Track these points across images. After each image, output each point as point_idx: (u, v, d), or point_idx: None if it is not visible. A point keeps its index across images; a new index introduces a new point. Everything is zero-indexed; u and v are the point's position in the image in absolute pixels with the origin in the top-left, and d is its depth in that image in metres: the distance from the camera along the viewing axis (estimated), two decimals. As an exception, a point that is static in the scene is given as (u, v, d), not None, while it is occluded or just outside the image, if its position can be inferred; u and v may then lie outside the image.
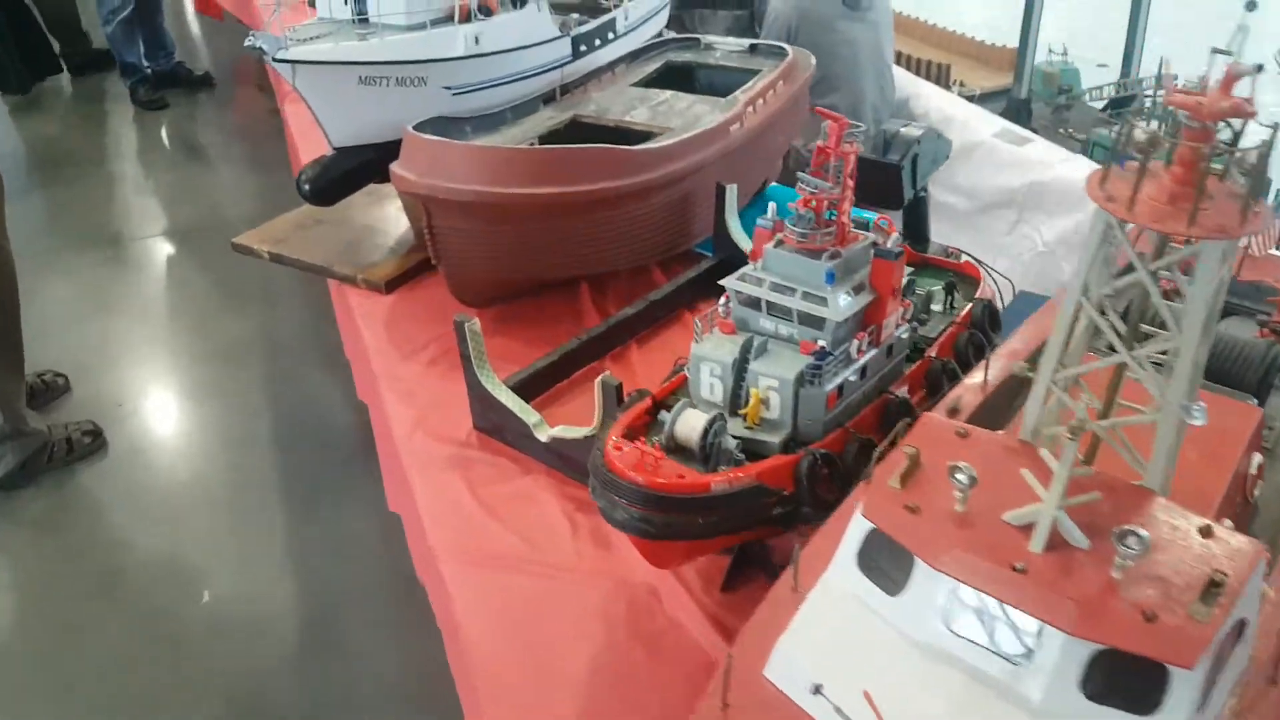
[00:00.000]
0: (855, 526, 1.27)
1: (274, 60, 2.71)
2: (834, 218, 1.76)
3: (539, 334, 2.63)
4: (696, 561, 1.82)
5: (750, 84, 3.12)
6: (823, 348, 1.67)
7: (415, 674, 3.01)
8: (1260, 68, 1.09)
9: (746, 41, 3.44)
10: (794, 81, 3.15)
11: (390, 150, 3.05)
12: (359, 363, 2.92)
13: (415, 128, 2.69)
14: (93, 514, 3.92)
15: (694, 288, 2.74)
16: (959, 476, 1.16)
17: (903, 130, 2.26)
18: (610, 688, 1.68)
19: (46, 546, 3.76)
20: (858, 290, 1.74)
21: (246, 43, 2.71)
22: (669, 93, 3.16)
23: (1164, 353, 1.22)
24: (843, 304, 1.69)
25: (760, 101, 2.94)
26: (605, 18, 3.51)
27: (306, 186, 2.97)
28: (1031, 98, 5.55)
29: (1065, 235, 4.79)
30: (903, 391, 1.89)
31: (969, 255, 2.34)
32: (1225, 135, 1.13)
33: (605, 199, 2.55)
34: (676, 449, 1.64)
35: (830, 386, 1.67)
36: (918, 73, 6.50)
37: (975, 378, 1.74)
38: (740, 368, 1.70)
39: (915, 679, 1.14)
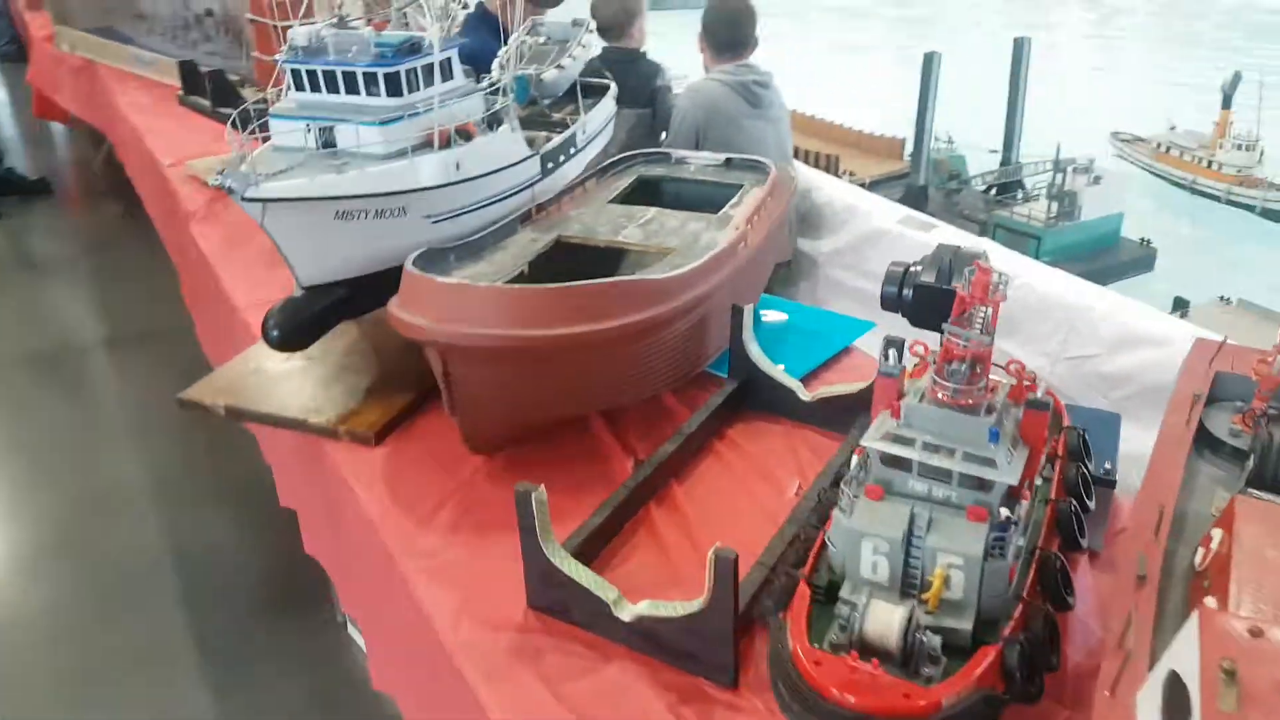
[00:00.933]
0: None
1: (244, 200, 2.41)
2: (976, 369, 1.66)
3: (561, 478, 2.38)
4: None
5: (737, 199, 3.03)
6: (1007, 518, 1.54)
7: None
8: None
9: (720, 156, 3.37)
10: (781, 199, 3.09)
11: (364, 284, 2.80)
12: (347, 526, 2.59)
13: (413, 264, 2.44)
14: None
15: (719, 416, 2.59)
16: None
17: (964, 247, 2.20)
18: None
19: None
20: (1014, 445, 1.63)
21: (213, 181, 2.40)
22: (653, 210, 3.03)
23: None
24: (1011, 464, 1.58)
25: (756, 218, 2.85)
26: (567, 133, 3.37)
27: (275, 333, 2.65)
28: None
29: (987, 317, 4.93)
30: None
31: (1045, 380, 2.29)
32: None
33: (636, 331, 2.37)
34: (862, 646, 1.46)
35: (1012, 557, 1.54)
36: (809, 164, 6.69)
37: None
38: (907, 542, 1.55)
39: None
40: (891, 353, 1.76)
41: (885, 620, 1.44)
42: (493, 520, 2.28)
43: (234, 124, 2.57)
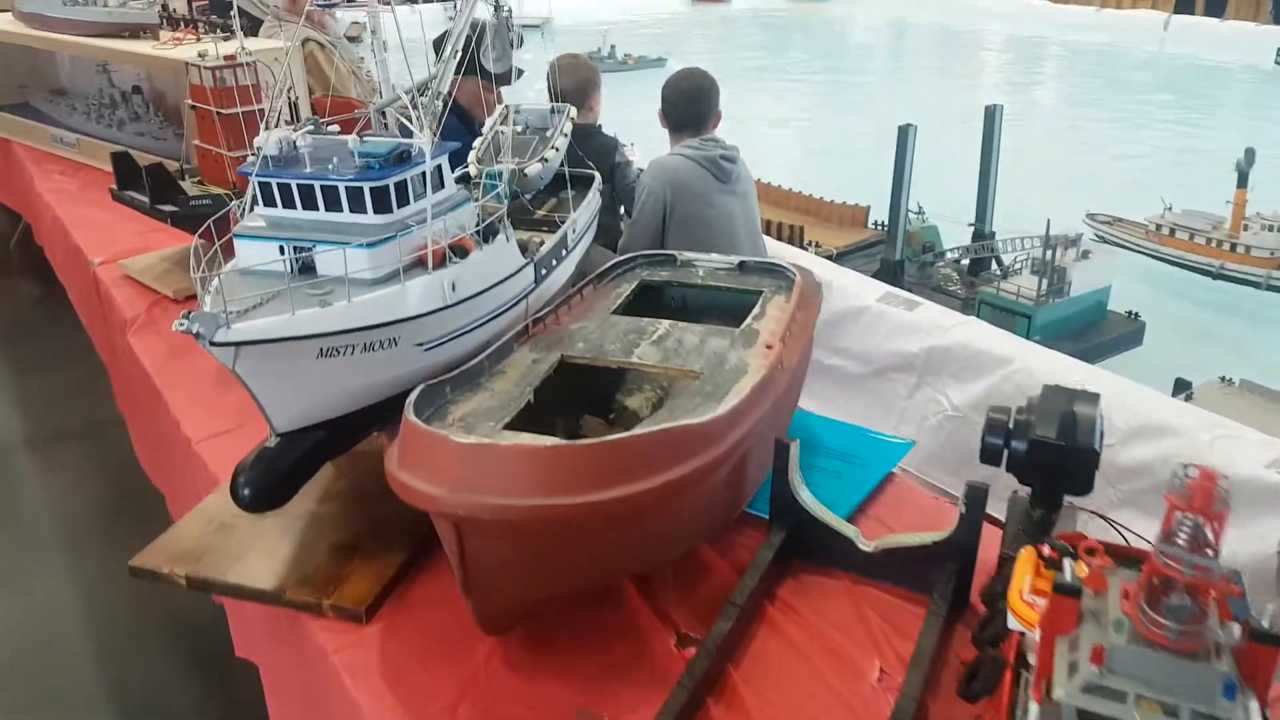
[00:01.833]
0: None
1: (212, 345, 2.04)
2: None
3: (594, 662, 2.05)
4: None
5: (759, 309, 2.74)
6: None
7: None
8: None
9: (733, 259, 3.08)
10: (811, 309, 2.80)
11: (344, 425, 2.43)
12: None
13: (414, 414, 2.08)
14: None
15: (768, 574, 2.26)
16: None
17: (1080, 411, 1.93)
18: None
19: None
20: (1246, 694, 1.33)
21: (176, 325, 2.01)
22: (665, 323, 2.72)
23: None
24: (1249, 721, 1.27)
25: (788, 335, 2.56)
26: (558, 234, 3.06)
27: (247, 492, 2.25)
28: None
29: (979, 401, 4.71)
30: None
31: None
32: None
33: (681, 486, 2.04)
34: None
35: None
36: (773, 235, 6.49)
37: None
38: None
39: None
40: (1068, 565, 1.45)
41: None
42: (520, 725, 1.92)
43: (195, 254, 2.20)
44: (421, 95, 2.63)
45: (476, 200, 2.63)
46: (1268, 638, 1.32)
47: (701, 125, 5.50)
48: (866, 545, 2.26)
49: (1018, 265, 5.08)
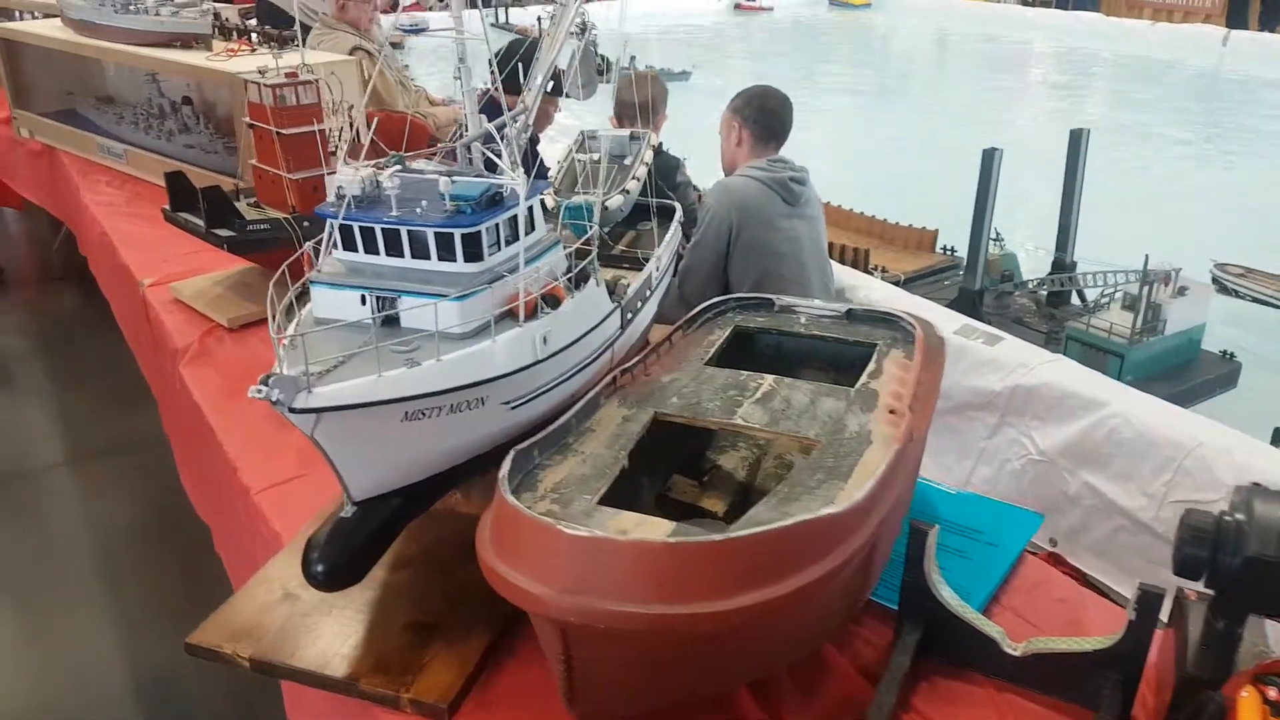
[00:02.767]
0: None
1: (291, 411, 1.83)
2: None
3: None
4: None
5: (875, 366, 2.49)
6: None
7: None
8: None
9: (840, 306, 2.82)
10: (936, 370, 2.54)
11: (421, 489, 2.21)
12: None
13: (511, 491, 1.86)
14: None
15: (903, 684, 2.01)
16: None
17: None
18: None
19: None
20: None
21: (253, 393, 1.80)
22: (769, 379, 2.47)
23: None
24: None
25: (917, 401, 2.30)
26: (644, 274, 2.83)
27: (320, 569, 2.03)
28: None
29: (1067, 446, 4.43)
30: None
31: None
32: None
33: (816, 587, 1.80)
34: None
35: None
36: (838, 259, 6.26)
37: None
38: None
39: None
40: None
41: None
42: None
43: (270, 304, 1.98)
44: (505, 127, 2.41)
45: (589, 254, 2.40)
46: None
47: (779, 143, 5.28)
48: (1013, 648, 2.01)
49: (1104, 299, 4.86)
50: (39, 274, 7.87)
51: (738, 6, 18.81)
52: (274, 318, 1.99)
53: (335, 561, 2.05)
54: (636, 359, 2.54)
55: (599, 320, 2.46)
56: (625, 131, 3.38)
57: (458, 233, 2.09)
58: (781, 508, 1.92)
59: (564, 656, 1.72)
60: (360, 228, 2.14)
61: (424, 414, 2.00)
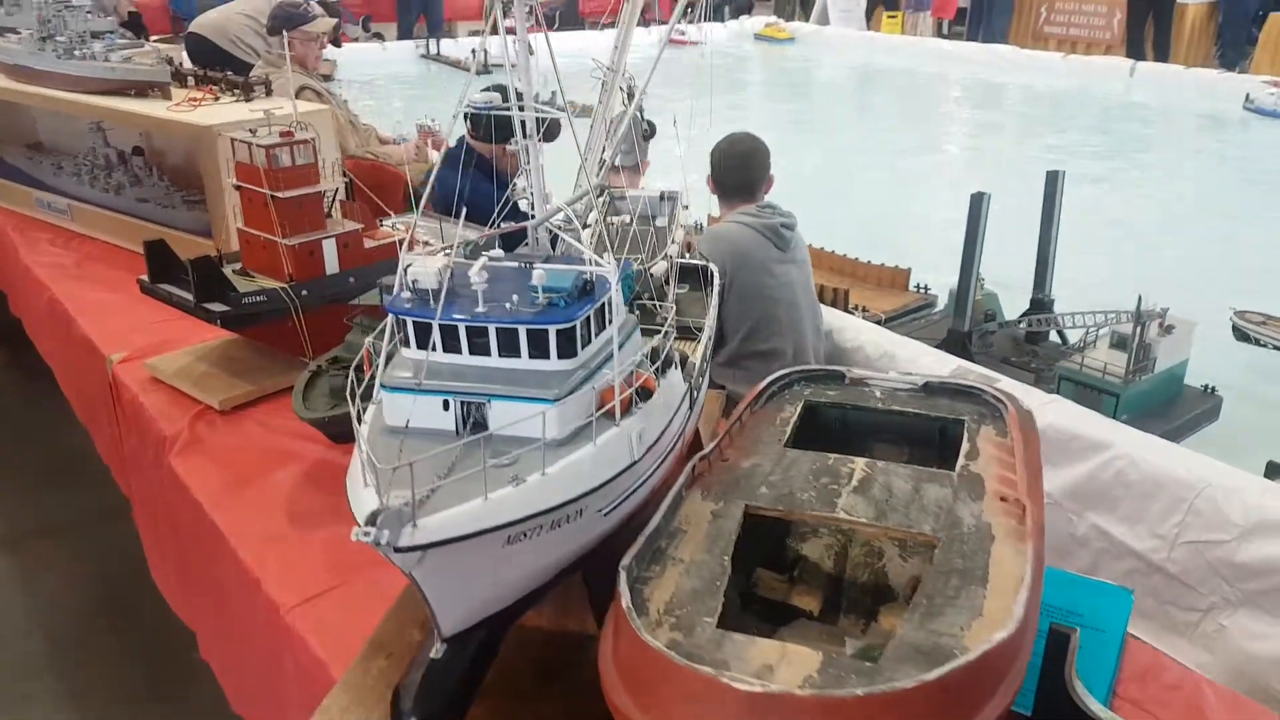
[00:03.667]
0: None
1: (397, 550, 1.60)
2: None
3: None
4: None
5: (969, 446, 2.36)
6: None
7: None
8: None
9: (917, 377, 2.70)
10: (1035, 443, 2.43)
11: (505, 616, 2.01)
12: None
13: (644, 629, 1.66)
14: None
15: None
16: None
17: None
18: None
19: None
20: None
21: (357, 536, 1.57)
22: (859, 462, 2.33)
23: None
24: None
25: (1032, 489, 2.18)
26: (701, 344, 2.67)
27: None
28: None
29: (1074, 488, 4.42)
30: None
31: None
32: None
33: (1001, 715, 1.65)
34: None
35: None
36: (820, 300, 6.21)
37: None
38: None
39: None
40: None
41: None
42: None
43: (356, 422, 1.76)
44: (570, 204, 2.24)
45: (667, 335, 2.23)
46: None
47: (754, 192, 5.24)
48: (1166, 760, 1.90)
49: (1090, 338, 4.89)
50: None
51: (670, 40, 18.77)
52: (361, 446, 1.75)
53: (431, 712, 1.82)
54: (712, 444, 2.38)
55: (678, 405, 2.29)
56: (655, 191, 3.23)
57: (553, 329, 1.90)
58: (928, 625, 1.77)
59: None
60: (441, 325, 1.93)
61: (526, 535, 1.81)
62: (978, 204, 4.88)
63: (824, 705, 1.49)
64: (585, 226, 2.51)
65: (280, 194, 3.27)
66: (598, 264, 1.98)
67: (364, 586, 2.48)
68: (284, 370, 3.48)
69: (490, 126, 5.45)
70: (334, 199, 3.55)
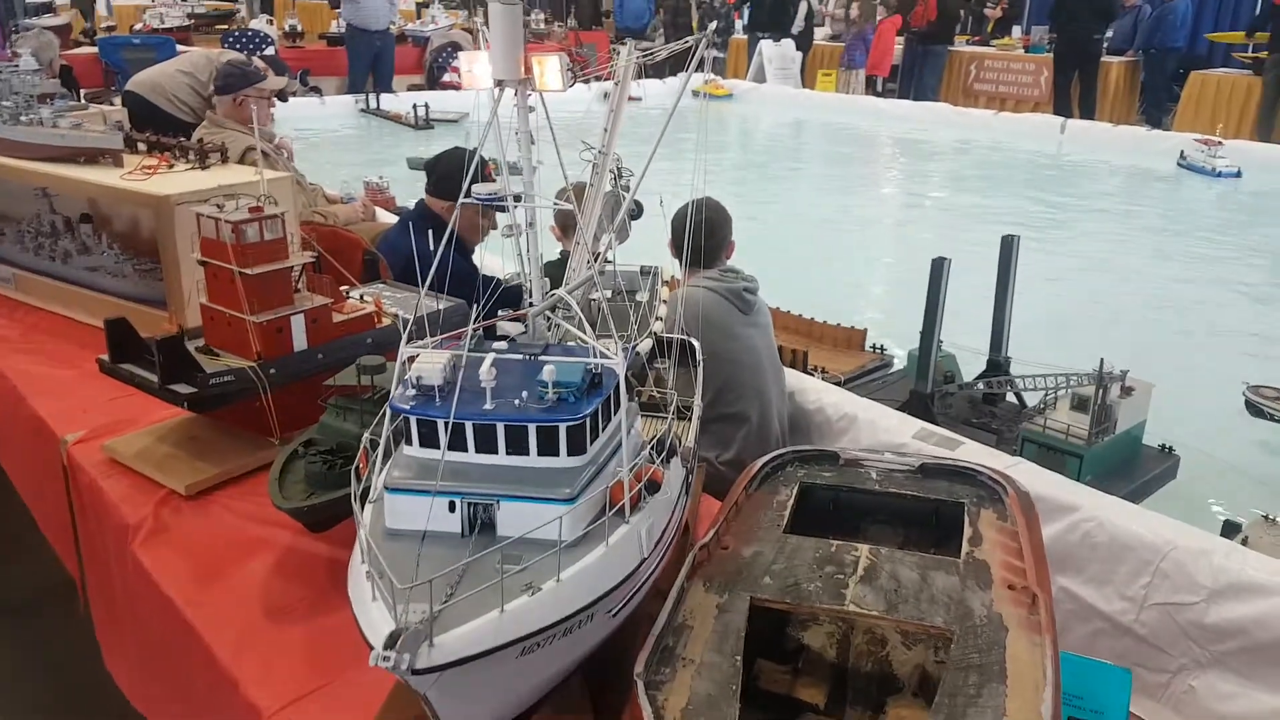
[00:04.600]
0: None
1: (414, 674, 1.53)
2: None
3: None
4: None
5: (972, 530, 2.37)
6: None
7: None
8: None
9: (913, 459, 2.70)
10: (1037, 527, 2.44)
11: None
12: None
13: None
14: None
15: None
16: None
17: None
18: None
19: None
20: None
21: (376, 662, 1.49)
22: (863, 549, 2.31)
23: None
24: None
25: (1039, 575, 2.19)
26: (693, 423, 2.65)
27: None
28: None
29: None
30: None
31: None
32: None
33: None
34: None
35: None
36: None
37: None
38: None
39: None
40: None
41: None
42: None
43: (366, 547, 1.69)
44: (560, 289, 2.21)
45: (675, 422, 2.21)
46: None
47: (715, 259, 5.29)
48: None
49: (1049, 399, 4.97)
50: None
51: (606, 95, 18.95)
52: (365, 553, 1.68)
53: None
54: (710, 532, 2.34)
55: (679, 492, 2.26)
56: (634, 266, 3.22)
57: (563, 426, 1.86)
58: None
59: None
60: (445, 423, 1.88)
61: (539, 645, 1.75)
62: (939, 269, 4.98)
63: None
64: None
65: (248, 270, 3.18)
66: (605, 355, 1.95)
67: (350, 687, 2.38)
68: (250, 450, 3.36)
69: (450, 185, 5.43)
70: (301, 273, 3.46)
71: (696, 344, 3.13)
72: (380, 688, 2.22)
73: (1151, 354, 6.33)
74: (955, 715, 1.76)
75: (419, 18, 22.20)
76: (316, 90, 18.08)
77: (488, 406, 1.85)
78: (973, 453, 4.83)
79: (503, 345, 2.03)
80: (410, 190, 10.16)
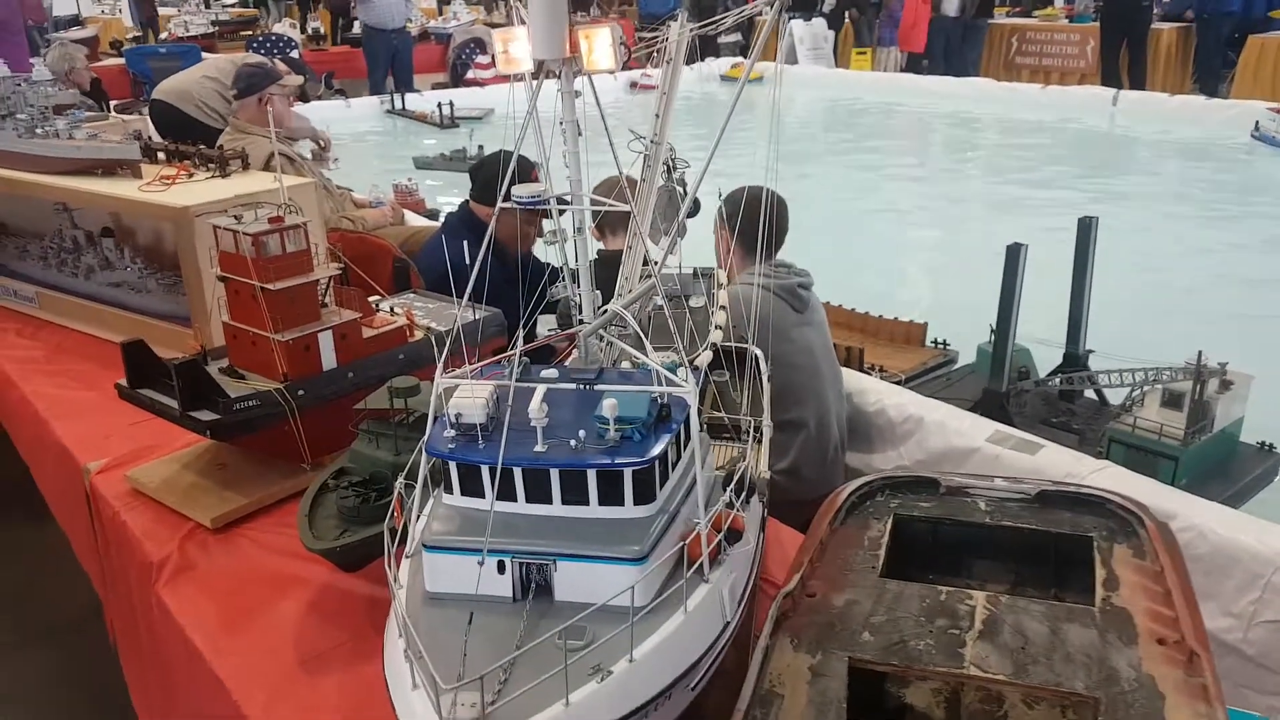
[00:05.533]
0: None
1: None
2: None
3: None
4: None
5: (1105, 571, 2.04)
6: None
7: None
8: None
9: (1029, 485, 2.36)
10: (1183, 565, 2.11)
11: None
12: None
13: None
14: None
15: None
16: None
17: None
18: None
19: None
20: None
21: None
22: (979, 596, 1.97)
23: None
24: None
25: (1193, 623, 1.87)
26: (763, 445, 2.35)
27: None
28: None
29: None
30: None
31: None
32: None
33: None
34: None
35: None
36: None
37: None
38: None
39: None
40: None
41: None
42: None
43: (403, 625, 1.42)
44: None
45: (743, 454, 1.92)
46: None
47: (776, 249, 4.94)
48: None
49: (1137, 396, 4.59)
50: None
51: (633, 85, 18.74)
52: (403, 630, 1.41)
53: None
54: (795, 579, 2.04)
55: (758, 535, 1.97)
56: (687, 269, 2.93)
57: (628, 471, 1.57)
58: None
59: None
60: (491, 469, 1.60)
61: (609, 731, 1.46)
62: (1014, 256, 4.61)
63: None
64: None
65: (271, 285, 2.93)
66: (672, 383, 1.66)
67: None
68: (279, 478, 3.13)
69: (493, 191, 5.17)
70: (328, 286, 3.22)
71: (759, 353, 2.82)
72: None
73: (1235, 342, 5.86)
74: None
75: (440, 14, 21.97)
76: (341, 92, 17.94)
77: (539, 449, 1.57)
78: (1055, 456, 4.48)
79: (552, 373, 1.75)
80: (431, 192, 9.88)
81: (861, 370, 5.72)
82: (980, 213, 11.47)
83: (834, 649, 1.85)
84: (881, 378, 5.62)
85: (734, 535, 1.70)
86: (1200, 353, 4.27)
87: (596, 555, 1.53)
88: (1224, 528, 3.82)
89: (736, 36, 21.48)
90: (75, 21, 20.64)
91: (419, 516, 1.73)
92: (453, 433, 1.63)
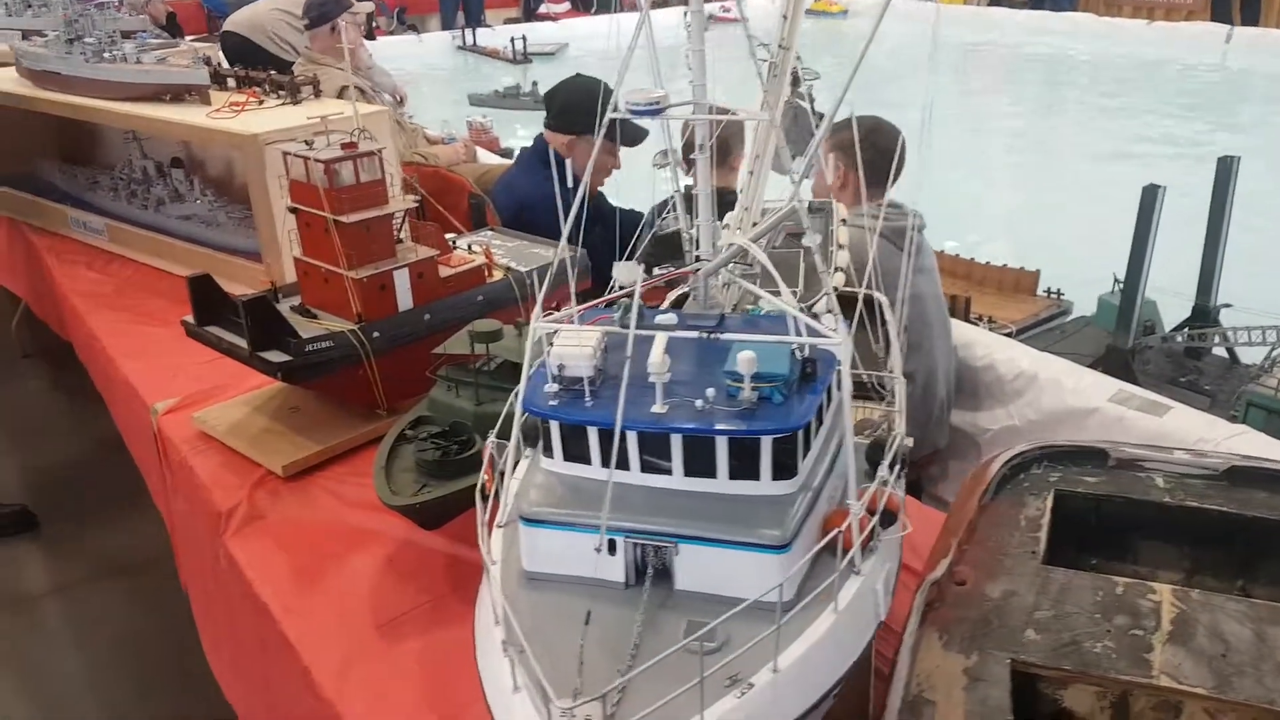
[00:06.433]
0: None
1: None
2: None
3: None
4: None
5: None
6: None
7: None
8: None
9: (1217, 459, 2.02)
10: None
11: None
12: None
13: None
14: None
15: None
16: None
17: None
18: None
19: None
20: None
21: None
22: (1164, 590, 1.67)
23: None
24: None
25: None
26: (899, 406, 2.05)
27: None
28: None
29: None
30: None
31: None
32: None
33: None
34: None
35: None
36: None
37: None
38: None
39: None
40: None
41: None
42: None
43: (503, 616, 1.18)
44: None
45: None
46: None
47: (888, 185, 4.54)
48: None
49: (1277, 353, 4.22)
50: (77, 516, 6.21)
51: (712, 19, 17.99)
52: (500, 620, 1.17)
53: None
54: (944, 563, 1.76)
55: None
56: (801, 200, 2.60)
57: (768, 439, 1.29)
58: None
59: None
60: (601, 431, 1.34)
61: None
62: (1150, 199, 4.17)
63: None
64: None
65: (344, 218, 2.70)
66: (818, 334, 1.37)
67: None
68: (354, 424, 2.94)
69: (572, 117, 4.88)
70: (404, 221, 2.98)
71: (882, 299, 2.50)
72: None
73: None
74: None
75: (514, -53, 21.44)
76: (414, 28, 17.67)
77: (658, 409, 1.30)
78: (1185, 419, 4.08)
79: (670, 318, 1.47)
80: (506, 130, 9.53)
81: (967, 320, 5.34)
82: (1083, 156, 10.78)
83: (992, 649, 1.57)
84: (990, 329, 5.23)
85: (889, 517, 1.42)
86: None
87: (729, 540, 1.27)
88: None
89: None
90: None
91: (511, 480, 1.49)
92: (554, 387, 1.37)
